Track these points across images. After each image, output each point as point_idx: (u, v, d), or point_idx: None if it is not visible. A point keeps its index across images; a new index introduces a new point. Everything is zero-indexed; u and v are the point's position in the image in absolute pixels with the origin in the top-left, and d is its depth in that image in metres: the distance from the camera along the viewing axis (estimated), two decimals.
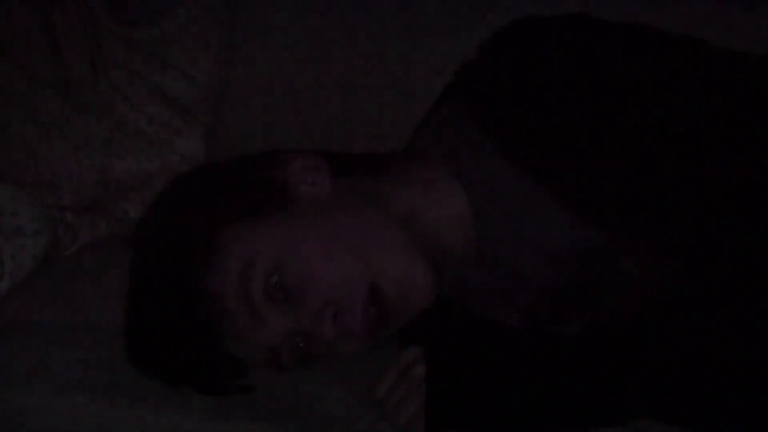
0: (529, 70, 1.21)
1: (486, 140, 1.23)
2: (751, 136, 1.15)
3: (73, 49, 1.67)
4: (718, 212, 1.14)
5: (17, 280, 1.49)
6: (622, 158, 1.16)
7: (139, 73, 1.68)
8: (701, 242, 1.15)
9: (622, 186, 1.16)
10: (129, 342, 1.24)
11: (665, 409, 1.13)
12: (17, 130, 1.64)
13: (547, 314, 1.24)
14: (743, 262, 1.13)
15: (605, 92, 1.18)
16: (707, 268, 1.14)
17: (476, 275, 1.26)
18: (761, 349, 1.10)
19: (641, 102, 1.17)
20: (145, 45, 1.68)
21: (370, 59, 1.69)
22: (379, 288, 1.19)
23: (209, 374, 1.23)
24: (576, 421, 1.14)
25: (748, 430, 1.12)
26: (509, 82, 1.22)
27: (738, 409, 1.12)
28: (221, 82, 1.73)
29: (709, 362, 1.11)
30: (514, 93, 1.21)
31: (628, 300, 1.20)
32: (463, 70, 1.30)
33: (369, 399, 1.21)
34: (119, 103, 1.68)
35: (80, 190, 1.64)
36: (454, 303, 1.26)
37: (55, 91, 1.66)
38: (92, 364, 1.31)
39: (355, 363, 1.29)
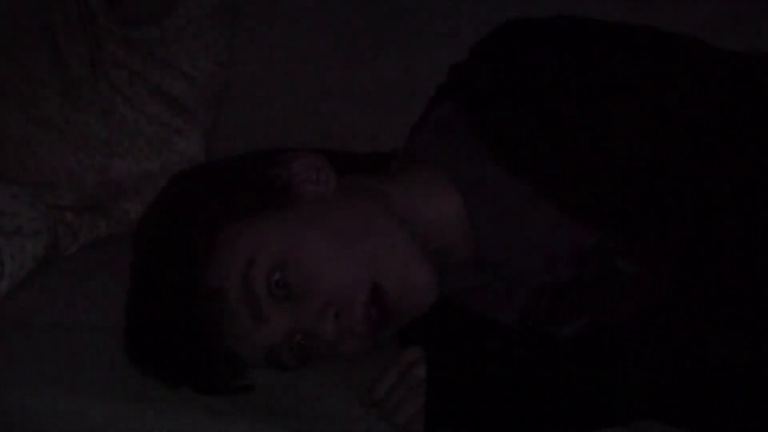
0: (521, 71, 1.21)
1: (479, 142, 1.23)
2: (746, 136, 1.15)
3: (73, 49, 1.67)
4: (714, 213, 1.14)
5: (17, 280, 1.49)
6: (617, 159, 1.16)
7: (139, 73, 1.68)
8: (697, 243, 1.15)
9: (616, 187, 1.16)
10: (129, 340, 1.24)
11: (664, 410, 1.14)
12: (17, 130, 1.64)
13: (544, 314, 1.24)
14: (740, 264, 1.13)
15: (598, 93, 1.18)
16: (703, 269, 1.14)
17: (474, 276, 1.26)
18: (759, 349, 1.10)
19: (635, 102, 1.17)
20: (145, 45, 1.68)
21: (370, 59, 1.69)
22: (382, 288, 1.19)
23: (209, 373, 1.23)
24: (575, 421, 1.14)
25: (748, 430, 1.12)
26: (501, 84, 1.21)
27: (737, 410, 1.12)
28: (221, 82, 1.73)
29: (707, 363, 1.11)
30: (505, 95, 1.21)
31: (625, 301, 1.20)
32: (455, 72, 1.30)
33: (369, 399, 1.21)
34: (119, 103, 1.68)
35: (80, 190, 1.64)
36: (452, 303, 1.26)
37: (55, 91, 1.66)
38: (92, 364, 1.31)
39: (355, 363, 1.29)
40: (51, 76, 1.66)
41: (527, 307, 1.25)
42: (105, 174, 1.66)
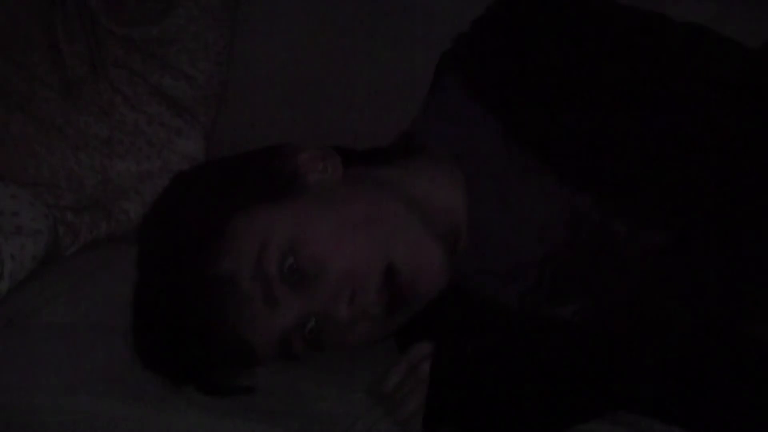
0: (523, 42, 1.22)
1: (478, 111, 1.24)
2: (745, 115, 1.16)
3: (73, 49, 1.67)
4: (710, 180, 1.15)
5: (17, 280, 1.49)
6: (612, 124, 1.17)
7: (139, 73, 1.68)
8: (691, 207, 1.15)
9: (610, 150, 1.17)
10: (138, 332, 1.24)
11: (663, 394, 1.14)
12: (17, 130, 1.64)
13: (544, 293, 1.24)
14: (732, 234, 1.13)
15: (598, 60, 1.19)
16: (695, 234, 1.15)
17: (474, 258, 1.26)
18: (751, 316, 1.11)
19: (632, 71, 1.18)
20: (145, 45, 1.69)
21: (370, 59, 1.69)
22: (395, 268, 1.19)
23: (214, 369, 1.22)
24: (575, 409, 1.14)
25: (747, 426, 1.12)
26: (502, 51, 1.22)
27: (735, 403, 1.12)
28: (221, 82, 1.73)
29: (702, 341, 1.11)
30: (506, 62, 1.22)
31: (620, 273, 1.20)
32: (458, 44, 1.30)
33: (376, 392, 1.21)
34: (119, 103, 1.68)
35: (80, 190, 1.64)
36: (454, 289, 1.26)
37: (55, 91, 1.66)
38: (92, 364, 1.31)
39: (355, 363, 1.29)
40: (51, 76, 1.66)
41: (526, 289, 1.25)
42: (105, 174, 1.66)
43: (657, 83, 1.17)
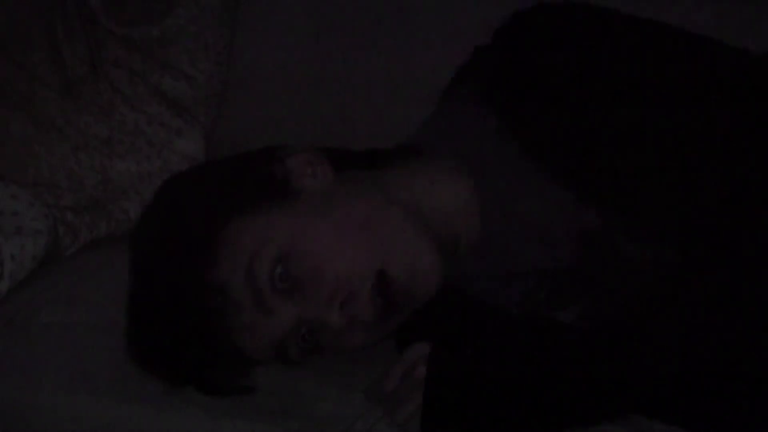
0: (542, 55, 1.22)
1: (492, 124, 1.24)
2: (753, 128, 1.16)
3: (73, 49, 1.67)
4: (718, 199, 1.15)
5: (17, 280, 1.49)
6: (627, 141, 1.17)
7: (139, 73, 1.68)
8: (701, 229, 1.15)
9: (622, 168, 1.17)
10: (132, 337, 1.24)
11: (664, 400, 1.14)
12: (17, 130, 1.64)
13: (545, 298, 1.24)
14: (741, 251, 1.13)
15: (610, 79, 1.19)
16: (705, 255, 1.15)
17: (477, 261, 1.26)
18: (761, 339, 1.10)
19: (646, 91, 1.18)
20: (145, 45, 1.69)
21: (370, 59, 1.69)
22: (387, 274, 1.19)
23: (213, 372, 1.23)
24: (573, 413, 1.14)
25: (748, 427, 1.12)
26: (521, 67, 1.22)
27: (738, 404, 1.12)
28: (221, 82, 1.73)
29: (706, 352, 1.11)
30: (525, 77, 1.22)
31: (626, 285, 1.21)
32: (477, 55, 1.30)
33: (375, 393, 1.21)
34: (119, 103, 1.68)
35: (80, 190, 1.64)
36: (454, 290, 1.26)
37: (55, 91, 1.66)
38: (92, 364, 1.31)
39: (355, 363, 1.29)
40: (51, 76, 1.66)
41: (528, 291, 1.25)
42: (105, 174, 1.66)
43: (667, 105, 1.17)
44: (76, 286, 1.49)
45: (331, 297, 1.19)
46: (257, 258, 1.19)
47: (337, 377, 1.28)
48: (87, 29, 1.68)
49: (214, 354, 1.21)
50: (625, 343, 1.13)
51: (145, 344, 1.23)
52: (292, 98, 1.72)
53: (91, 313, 1.41)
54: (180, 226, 1.23)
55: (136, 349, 1.24)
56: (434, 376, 1.16)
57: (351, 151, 1.31)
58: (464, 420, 1.15)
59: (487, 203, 1.25)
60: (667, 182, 1.16)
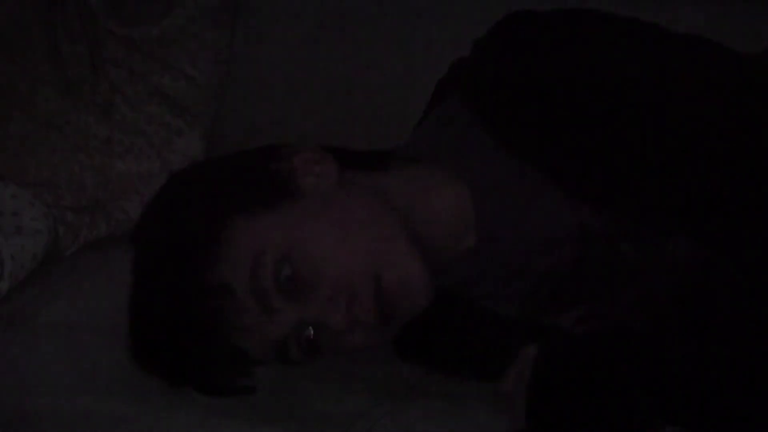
0: (524, 61, 1.21)
1: (484, 132, 1.23)
2: (750, 128, 1.16)
3: (73, 49, 1.67)
4: (721, 203, 1.14)
5: (17, 280, 1.49)
6: (622, 143, 1.16)
7: (139, 73, 1.68)
8: (702, 231, 1.15)
9: (618, 168, 1.16)
10: (134, 338, 1.24)
11: (665, 406, 1.13)
12: (17, 130, 1.64)
13: (544, 301, 1.24)
14: (744, 250, 1.13)
15: (601, 82, 1.18)
16: (708, 258, 1.15)
17: (476, 265, 1.26)
18: (760, 343, 1.10)
19: (637, 90, 1.17)
20: (145, 45, 1.69)
21: (370, 59, 1.69)
22: (381, 280, 1.19)
23: (213, 372, 1.22)
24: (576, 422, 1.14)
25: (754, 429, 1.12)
26: (504, 75, 1.22)
27: (740, 410, 1.12)
28: (221, 82, 1.73)
29: (708, 359, 1.11)
30: (510, 85, 1.21)
31: (626, 288, 1.21)
32: (459, 67, 1.30)
33: (495, 392, 1.20)
34: (119, 102, 1.68)
35: (80, 190, 1.64)
36: (452, 295, 1.26)
37: (55, 91, 1.66)
38: (92, 364, 1.31)
39: (355, 363, 1.29)
40: (51, 76, 1.66)
41: (527, 294, 1.25)
42: (105, 174, 1.66)
43: (661, 104, 1.17)
44: (76, 286, 1.49)
45: (334, 297, 1.19)
46: (261, 257, 1.19)
47: (337, 377, 1.28)
48: (87, 29, 1.68)
49: (215, 353, 1.21)
50: (625, 352, 1.12)
51: (145, 343, 1.23)
52: (292, 98, 1.72)
53: (91, 313, 1.41)
54: (182, 224, 1.22)
55: (137, 348, 1.24)
56: (537, 379, 1.15)
57: (353, 151, 1.31)
58: (567, 422, 1.14)
59: (484, 210, 1.25)
60: (666, 181, 1.16)
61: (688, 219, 1.16)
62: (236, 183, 1.24)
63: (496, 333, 1.24)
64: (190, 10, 1.69)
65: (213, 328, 1.19)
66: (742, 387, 1.11)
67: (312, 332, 1.21)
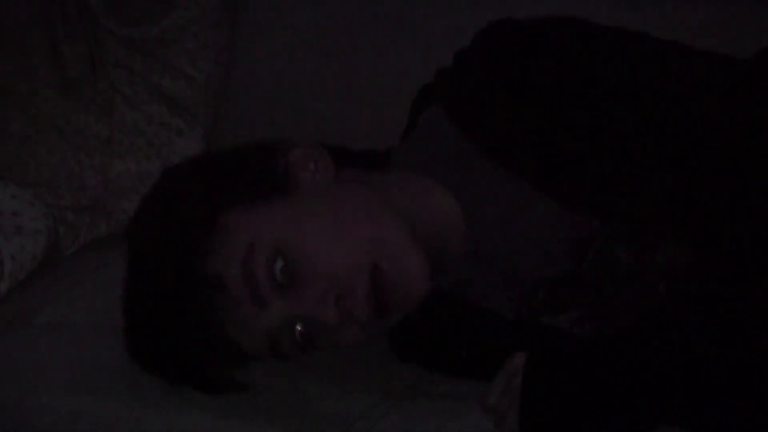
0: (505, 71, 1.21)
1: (470, 144, 1.23)
2: (739, 129, 1.15)
3: (73, 49, 1.67)
4: (710, 204, 1.14)
5: (17, 280, 1.49)
6: (610, 148, 1.16)
7: (139, 73, 1.68)
8: (694, 231, 1.15)
9: (609, 174, 1.16)
10: (129, 331, 1.23)
11: (661, 406, 1.14)
12: (17, 130, 1.64)
13: (541, 304, 1.24)
14: (738, 258, 1.13)
15: (585, 88, 1.18)
16: (701, 259, 1.15)
17: (472, 268, 1.26)
18: (754, 346, 1.10)
19: (622, 95, 1.17)
20: (145, 45, 1.69)
21: (371, 59, 1.69)
22: (380, 268, 1.19)
23: (208, 364, 1.22)
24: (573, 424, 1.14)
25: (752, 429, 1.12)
26: (486, 84, 1.22)
27: (736, 410, 1.12)
28: (221, 82, 1.73)
29: (704, 360, 1.11)
30: (492, 95, 1.21)
31: (622, 290, 1.21)
32: (440, 77, 1.30)
33: (484, 405, 1.20)
34: (119, 102, 1.68)
35: (80, 190, 1.65)
36: (448, 296, 1.26)
37: (55, 91, 1.66)
38: (92, 364, 1.31)
39: (355, 363, 1.29)
40: (51, 76, 1.66)
41: (524, 297, 1.25)
42: (105, 174, 1.66)
43: (647, 107, 1.17)
44: (76, 286, 1.49)
45: (326, 293, 1.19)
46: (254, 251, 1.19)
47: (337, 377, 1.28)
48: (87, 29, 1.68)
49: (208, 345, 1.20)
50: (620, 353, 1.12)
51: (140, 335, 1.23)
52: (292, 98, 1.72)
53: (91, 313, 1.41)
54: (176, 216, 1.22)
55: (133, 341, 1.24)
56: (529, 386, 1.15)
57: (350, 149, 1.31)
58: (560, 428, 1.14)
59: (476, 220, 1.24)
60: (656, 184, 1.16)
61: (679, 221, 1.16)
62: (231, 176, 1.24)
63: (492, 334, 1.24)
64: (190, 10, 1.69)
65: (205, 319, 1.19)
66: (740, 386, 1.11)
67: (301, 328, 1.21)
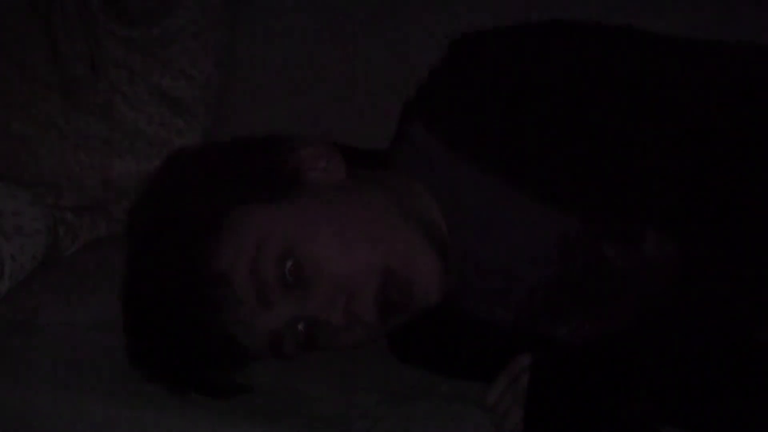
0: (480, 79, 1.20)
1: (450, 153, 1.22)
2: (725, 124, 1.15)
3: (73, 49, 1.67)
4: (695, 194, 1.14)
5: (17, 280, 1.49)
6: (589, 146, 1.16)
7: (139, 73, 1.68)
8: (681, 223, 1.15)
9: (591, 171, 1.16)
10: (128, 329, 1.23)
11: (663, 411, 1.14)
12: (17, 130, 1.64)
13: (539, 311, 1.24)
14: (721, 246, 1.13)
15: (565, 88, 1.17)
16: (690, 251, 1.14)
17: (469, 276, 1.26)
18: (754, 346, 1.10)
19: (603, 92, 1.17)
20: (145, 45, 1.69)
21: (370, 59, 1.69)
22: (392, 270, 1.18)
23: (209, 365, 1.21)
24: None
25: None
26: (463, 95, 1.21)
27: (736, 409, 1.12)
28: (221, 82, 1.73)
29: (701, 361, 1.11)
30: (469, 103, 1.20)
31: (617, 291, 1.20)
32: (420, 92, 1.29)
33: (482, 405, 1.20)
34: (119, 102, 1.68)
35: (80, 190, 1.65)
36: (447, 306, 1.26)
37: (55, 91, 1.66)
38: (92, 364, 1.31)
39: (355, 363, 1.29)
40: (51, 76, 1.66)
41: (520, 306, 1.24)
42: (105, 174, 1.66)
43: (628, 103, 1.16)
44: (76, 286, 1.49)
45: (334, 294, 1.19)
46: (263, 250, 1.18)
47: (337, 377, 1.28)
48: (87, 29, 1.68)
49: (210, 344, 1.19)
50: (621, 360, 1.12)
51: (139, 334, 1.22)
52: (293, 98, 1.72)
53: (91, 313, 1.41)
54: (183, 209, 1.20)
55: (132, 342, 1.23)
56: (536, 387, 1.15)
57: (358, 148, 1.31)
58: (565, 428, 1.14)
59: (461, 228, 1.24)
60: (638, 177, 1.15)
61: (657, 207, 1.15)
62: (242, 170, 1.22)
63: (491, 343, 1.23)
64: (190, 10, 1.69)
65: (208, 319, 1.18)
66: (737, 385, 1.11)
67: (303, 328, 1.20)
